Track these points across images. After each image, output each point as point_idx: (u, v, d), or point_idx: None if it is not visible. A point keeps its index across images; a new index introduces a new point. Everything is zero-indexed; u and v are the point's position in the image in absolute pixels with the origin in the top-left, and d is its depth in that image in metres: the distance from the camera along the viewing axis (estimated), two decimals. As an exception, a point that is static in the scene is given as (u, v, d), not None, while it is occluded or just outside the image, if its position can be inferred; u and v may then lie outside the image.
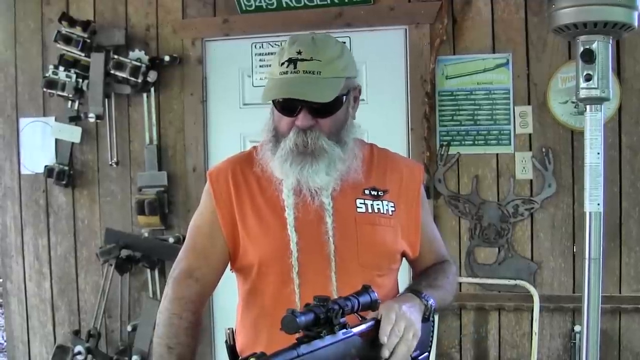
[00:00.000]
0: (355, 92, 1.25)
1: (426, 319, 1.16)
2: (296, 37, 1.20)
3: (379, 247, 1.24)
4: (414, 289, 1.20)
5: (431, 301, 1.17)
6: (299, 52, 1.15)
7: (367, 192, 1.25)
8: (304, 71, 1.14)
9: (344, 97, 1.19)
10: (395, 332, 1.04)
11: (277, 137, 1.21)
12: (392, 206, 1.26)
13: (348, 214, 1.23)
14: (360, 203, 1.24)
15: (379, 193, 1.26)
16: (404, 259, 1.34)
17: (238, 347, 1.26)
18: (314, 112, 1.16)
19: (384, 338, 1.03)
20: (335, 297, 1.14)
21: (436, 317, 1.41)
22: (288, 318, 0.92)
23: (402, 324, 1.05)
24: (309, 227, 1.21)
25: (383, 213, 1.25)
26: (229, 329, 1.26)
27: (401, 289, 1.30)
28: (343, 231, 1.22)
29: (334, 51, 1.18)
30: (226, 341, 1.26)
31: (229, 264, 1.29)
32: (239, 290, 1.33)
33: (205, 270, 1.27)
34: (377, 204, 1.25)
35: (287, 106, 1.18)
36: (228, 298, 1.59)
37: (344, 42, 1.29)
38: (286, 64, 1.16)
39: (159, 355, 1.17)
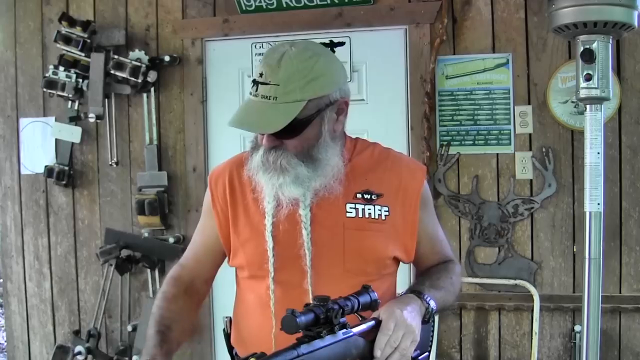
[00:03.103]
0: (338, 106, 1.20)
1: (426, 322, 1.16)
2: (269, 52, 1.17)
3: (367, 253, 1.22)
4: (416, 290, 1.20)
5: (432, 304, 1.17)
6: (261, 74, 1.13)
7: (359, 195, 1.23)
8: (262, 96, 1.13)
9: (312, 117, 1.15)
10: (391, 344, 1.04)
11: (255, 147, 1.21)
12: (385, 210, 1.24)
13: (334, 220, 1.21)
14: (351, 207, 1.22)
15: (373, 197, 1.24)
16: (401, 262, 1.33)
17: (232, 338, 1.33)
18: (278, 133, 1.14)
19: (377, 352, 1.04)
20: None
21: (436, 317, 1.42)
22: (288, 318, 0.92)
23: (399, 333, 1.05)
24: (287, 235, 1.21)
25: (375, 218, 1.23)
26: (227, 317, 1.30)
27: (400, 288, 1.30)
28: (327, 238, 1.21)
29: (299, 71, 1.12)
30: (224, 329, 1.31)
31: (227, 260, 1.32)
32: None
33: (194, 264, 1.34)
34: (369, 209, 1.23)
35: None
36: (228, 299, 1.59)
37: (327, 51, 1.23)
38: (252, 84, 1.16)
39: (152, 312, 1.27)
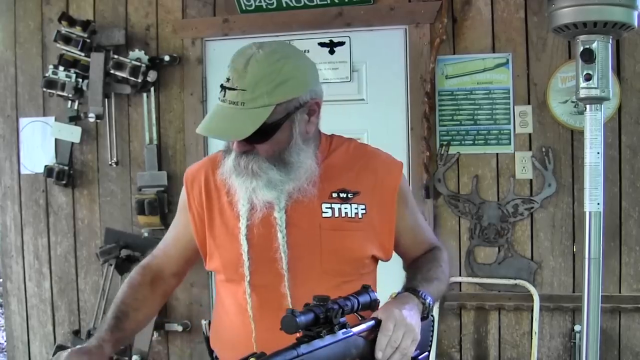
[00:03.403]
0: (309, 107, 1.17)
1: (424, 318, 1.17)
2: (235, 56, 1.14)
3: (343, 253, 1.22)
4: (411, 287, 1.19)
5: (429, 299, 1.17)
6: (228, 79, 1.12)
7: (335, 195, 1.22)
8: (229, 101, 1.11)
9: (282, 121, 1.13)
10: (391, 344, 1.04)
11: (227, 150, 1.20)
12: (362, 208, 1.22)
13: (311, 221, 1.20)
14: (327, 207, 1.21)
15: (349, 195, 1.22)
16: (380, 261, 1.32)
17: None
18: (248, 138, 1.13)
19: (379, 354, 1.03)
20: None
21: (436, 317, 1.42)
22: (288, 318, 0.92)
23: (400, 333, 1.05)
24: (262, 239, 1.20)
25: (351, 217, 1.21)
26: (206, 321, 1.31)
27: (389, 281, 1.30)
28: (303, 240, 1.20)
29: (266, 75, 1.10)
30: (203, 332, 1.31)
31: (204, 264, 1.32)
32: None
33: (163, 257, 1.36)
34: (345, 208, 1.22)
35: None
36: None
37: (297, 52, 1.21)
38: (220, 89, 1.14)
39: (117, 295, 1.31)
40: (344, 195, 1.22)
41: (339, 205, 1.22)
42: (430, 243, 1.37)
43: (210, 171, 1.28)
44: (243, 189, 1.17)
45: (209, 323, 1.36)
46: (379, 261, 1.31)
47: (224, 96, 1.12)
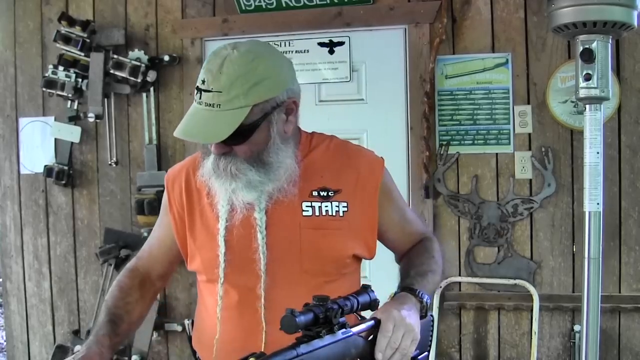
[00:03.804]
0: (286, 106, 1.16)
1: (423, 316, 1.17)
2: (210, 57, 1.13)
3: (324, 252, 1.20)
4: (408, 286, 1.19)
5: (426, 298, 1.17)
6: (203, 81, 1.10)
7: (315, 193, 1.20)
8: (205, 103, 1.10)
9: (259, 122, 1.12)
10: (391, 345, 1.04)
11: (206, 152, 1.19)
12: (344, 206, 1.21)
13: (291, 221, 1.19)
14: (307, 206, 1.20)
15: (329, 193, 1.21)
16: (363, 259, 1.31)
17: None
18: (226, 140, 1.11)
19: (379, 355, 1.03)
20: (262, 312, 1.16)
21: (435, 317, 1.42)
22: (287, 317, 0.92)
23: (399, 333, 1.05)
24: (241, 240, 1.19)
25: (332, 215, 1.20)
26: (189, 320, 1.31)
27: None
28: (283, 241, 1.19)
29: (241, 75, 1.09)
30: (186, 332, 1.33)
31: (185, 264, 1.32)
32: None
33: (148, 259, 1.36)
34: (326, 206, 1.20)
35: None
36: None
37: (272, 50, 1.19)
38: (195, 91, 1.13)
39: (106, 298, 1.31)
40: (325, 194, 1.21)
41: (319, 204, 1.20)
42: (420, 234, 1.36)
43: (192, 171, 1.27)
44: (223, 190, 1.17)
45: (192, 323, 1.35)
46: (369, 261, 1.30)
47: (200, 98, 1.11)
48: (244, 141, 1.13)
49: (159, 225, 1.36)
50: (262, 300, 1.17)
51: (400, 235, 1.33)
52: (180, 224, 1.27)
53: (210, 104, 1.10)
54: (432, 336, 1.26)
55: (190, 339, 1.35)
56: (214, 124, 1.09)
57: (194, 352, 1.33)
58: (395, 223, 1.31)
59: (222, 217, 1.19)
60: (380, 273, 1.36)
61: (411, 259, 1.30)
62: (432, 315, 1.23)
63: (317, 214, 1.20)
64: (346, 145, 1.30)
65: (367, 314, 1.08)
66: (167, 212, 1.31)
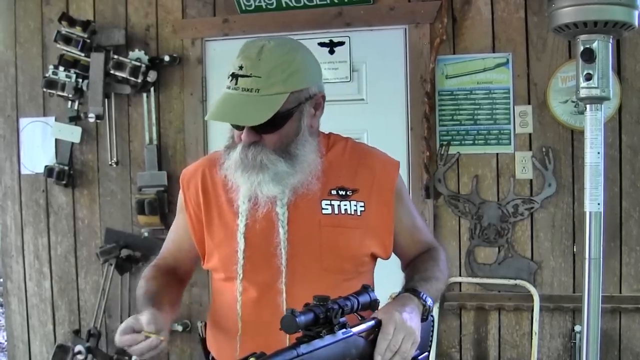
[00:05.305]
0: (315, 100, 1.19)
1: (424, 319, 1.16)
2: (245, 47, 1.16)
3: (343, 251, 1.21)
4: (411, 288, 1.19)
5: (429, 301, 1.17)
6: (241, 67, 1.12)
7: (334, 192, 1.22)
8: (243, 88, 1.11)
9: (293, 111, 1.15)
10: (391, 348, 1.04)
11: (231, 145, 1.20)
12: (361, 205, 1.22)
13: (311, 218, 1.20)
14: (326, 204, 1.21)
15: (348, 192, 1.22)
16: (382, 260, 1.31)
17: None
18: (258, 128, 1.13)
19: (378, 358, 1.03)
20: (284, 308, 1.16)
21: (436, 317, 1.42)
22: (288, 317, 0.92)
23: (399, 336, 1.04)
24: (260, 236, 1.19)
25: (350, 214, 1.21)
26: (202, 322, 1.30)
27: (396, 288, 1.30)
28: (303, 237, 1.19)
29: (280, 63, 1.12)
30: (199, 334, 1.31)
31: (201, 262, 1.32)
32: None
33: (172, 261, 1.36)
34: (345, 205, 1.21)
35: None
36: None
37: (304, 47, 1.20)
38: (230, 78, 1.14)
39: (137, 293, 1.27)
40: (343, 193, 1.22)
41: (338, 202, 1.21)
42: (428, 243, 1.37)
43: (208, 170, 1.28)
44: (248, 184, 1.17)
45: (205, 325, 1.35)
46: (378, 261, 1.31)
47: (236, 84, 1.12)
48: (277, 129, 1.14)
49: (175, 228, 1.37)
50: (284, 294, 1.18)
51: (410, 242, 1.33)
52: (197, 223, 1.28)
53: (248, 89, 1.11)
54: (432, 336, 1.26)
55: (202, 340, 1.34)
56: (252, 108, 1.11)
57: (206, 354, 1.32)
58: (405, 228, 1.32)
59: (242, 214, 1.20)
60: (381, 273, 1.36)
61: (416, 265, 1.31)
62: (432, 316, 1.23)
63: (336, 212, 1.21)
64: (362, 147, 1.32)
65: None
66: (184, 211, 1.31)
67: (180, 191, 1.33)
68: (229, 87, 1.14)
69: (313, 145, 1.20)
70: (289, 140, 1.16)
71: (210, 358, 1.32)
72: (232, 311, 1.23)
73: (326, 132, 1.30)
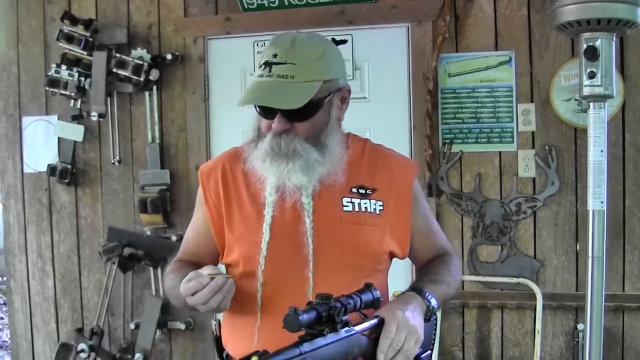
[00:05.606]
0: (342, 94, 1.23)
1: (427, 320, 1.16)
2: (277, 38, 1.20)
3: (363, 248, 1.22)
4: (417, 287, 1.19)
5: (433, 302, 1.17)
6: (275, 55, 1.15)
7: (354, 190, 1.23)
8: (277, 75, 1.14)
9: (324, 100, 1.18)
10: (394, 346, 1.04)
11: (259, 136, 1.21)
12: (380, 205, 1.24)
13: (333, 213, 1.21)
14: (347, 202, 1.22)
15: (367, 191, 1.24)
16: (394, 259, 1.32)
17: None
18: (290, 116, 1.15)
19: (380, 356, 1.03)
20: (311, 297, 1.16)
21: (438, 315, 1.41)
22: (290, 316, 0.92)
23: (402, 335, 1.05)
24: (286, 227, 1.20)
25: (370, 212, 1.23)
26: (215, 320, 1.30)
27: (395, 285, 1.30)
28: (326, 231, 1.20)
29: (313, 53, 1.16)
30: (213, 332, 1.31)
31: (220, 257, 1.32)
32: None
33: (193, 257, 1.35)
34: (365, 203, 1.23)
35: (264, 109, 1.19)
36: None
37: (332, 41, 1.26)
38: (263, 66, 1.16)
39: (167, 286, 1.30)
40: (363, 191, 1.24)
41: (358, 200, 1.23)
42: (443, 248, 1.37)
43: (228, 164, 1.29)
44: (276, 174, 1.18)
45: (219, 323, 1.34)
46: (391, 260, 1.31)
47: (270, 71, 1.15)
48: (310, 117, 1.17)
49: (194, 224, 1.36)
50: (311, 282, 1.18)
51: (424, 245, 1.34)
52: (217, 217, 1.28)
53: (283, 75, 1.14)
54: (435, 334, 1.26)
55: (217, 339, 1.33)
56: (287, 93, 1.13)
57: (220, 351, 1.31)
58: (420, 230, 1.33)
59: (269, 205, 1.21)
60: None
61: (427, 268, 1.32)
62: (435, 314, 1.23)
63: (356, 209, 1.23)
64: (380, 148, 1.34)
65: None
66: (203, 206, 1.31)
67: (200, 186, 1.32)
68: (261, 76, 1.16)
69: (340, 137, 1.23)
70: (320, 129, 1.19)
71: (224, 356, 1.31)
72: (250, 304, 1.23)
73: (345, 132, 1.31)
